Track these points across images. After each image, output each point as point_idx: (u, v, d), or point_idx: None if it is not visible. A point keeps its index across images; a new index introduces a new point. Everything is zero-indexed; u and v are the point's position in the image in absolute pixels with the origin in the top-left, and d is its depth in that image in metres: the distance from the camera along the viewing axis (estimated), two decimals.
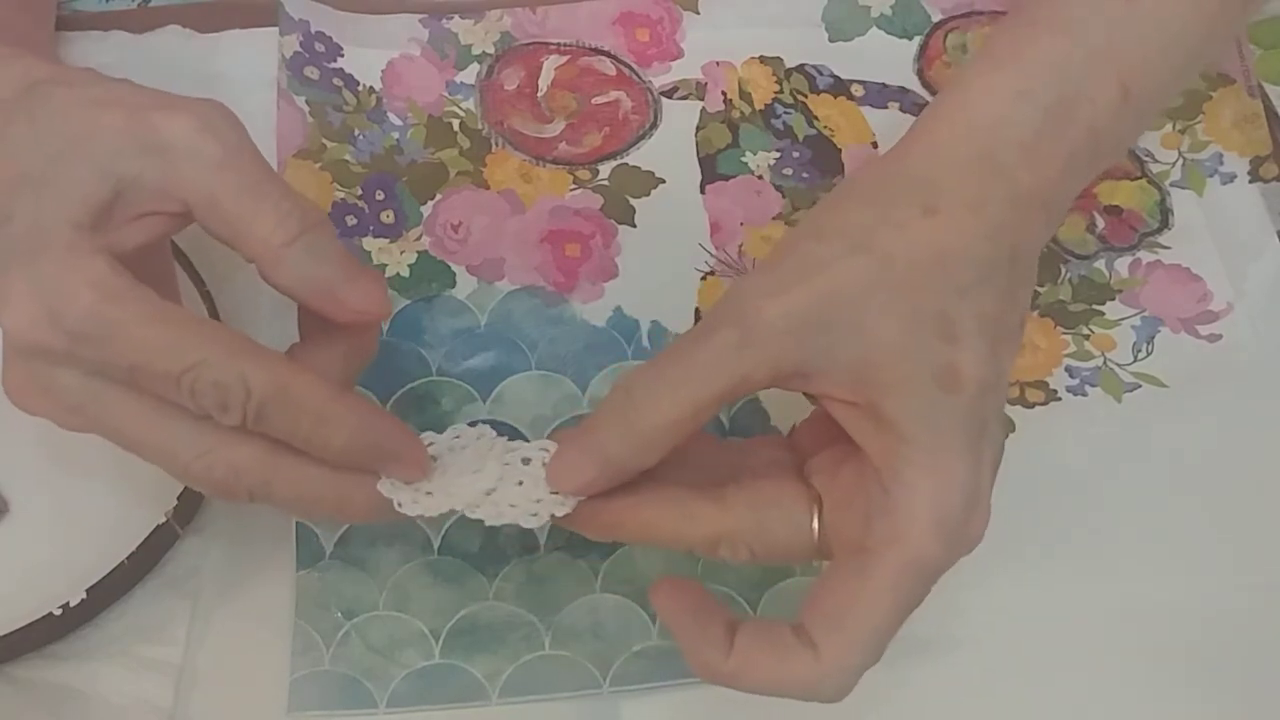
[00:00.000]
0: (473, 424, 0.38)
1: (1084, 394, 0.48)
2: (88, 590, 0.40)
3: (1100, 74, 0.37)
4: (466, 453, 0.37)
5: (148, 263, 0.35)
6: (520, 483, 0.36)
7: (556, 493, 0.36)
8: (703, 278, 0.49)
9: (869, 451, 0.34)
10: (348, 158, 0.50)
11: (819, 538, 0.35)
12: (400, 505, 0.36)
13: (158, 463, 0.36)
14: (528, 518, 0.36)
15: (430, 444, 0.37)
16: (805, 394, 0.36)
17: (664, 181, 0.51)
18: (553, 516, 0.36)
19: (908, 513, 0.33)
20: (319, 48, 0.52)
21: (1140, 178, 0.53)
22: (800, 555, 0.36)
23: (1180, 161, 0.53)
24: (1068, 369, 0.49)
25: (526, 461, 0.37)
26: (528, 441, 0.37)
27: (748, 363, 0.34)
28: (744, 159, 0.52)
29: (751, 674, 0.34)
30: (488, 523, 0.36)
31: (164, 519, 0.41)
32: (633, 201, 0.51)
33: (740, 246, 0.50)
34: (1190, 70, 0.41)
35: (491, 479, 0.36)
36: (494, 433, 0.38)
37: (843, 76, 0.54)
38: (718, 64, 0.54)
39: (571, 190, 0.51)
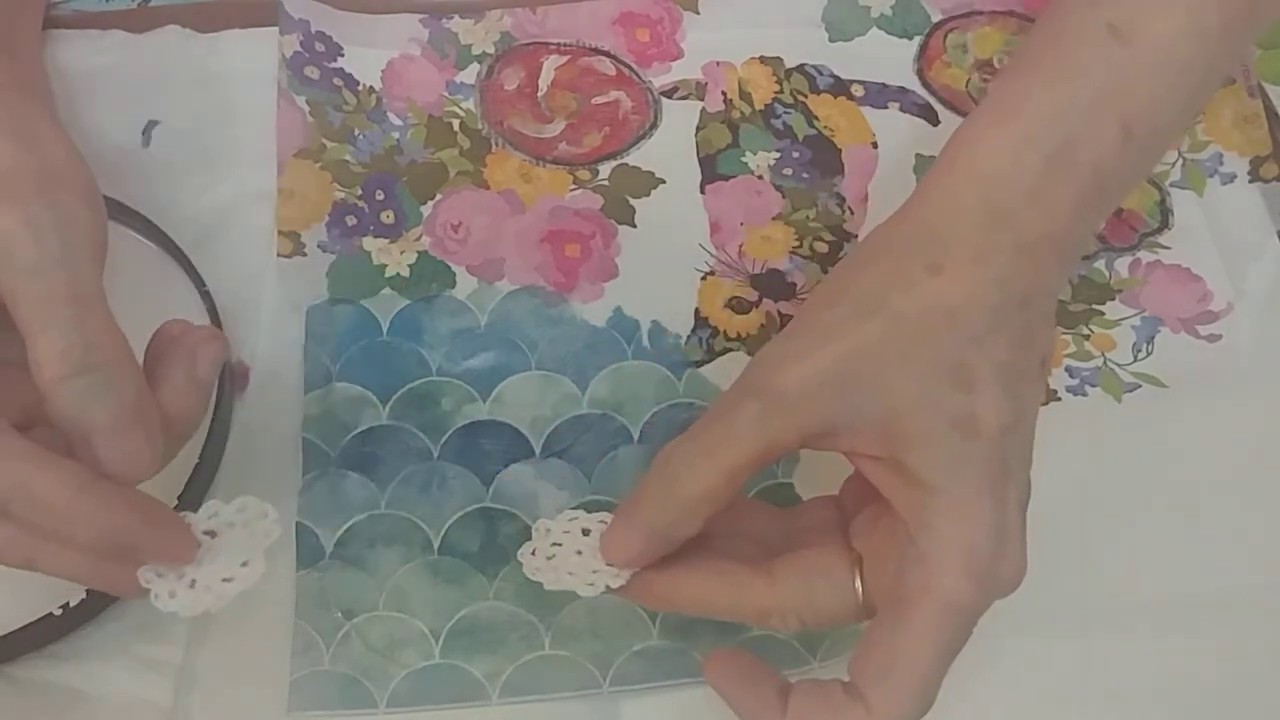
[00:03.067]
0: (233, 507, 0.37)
1: (1084, 394, 0.48)
2: (88, 590, 0.40)
3: (1102, 118, 0.38)
4: (237, 534, 0.36)
5: None
6: (579, 552, 0.38)
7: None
8: (703, 278, 0.49)
9: (896, 504, 0.35)
10: (348, 157, 0.50)
11: (863, 599, 0.36)
12: (155, 599, 0.35)
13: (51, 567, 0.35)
14: (585, 587, 0.38)
15: (212, 516, 0.37)
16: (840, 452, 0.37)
17: (664, 181, 0.51)
18: (608, 588, 0.37)
19: (937, 560, 0.34)
20: (319, 47, 0.52)
21: None
22: (847, 618, 0.37)
23: (1180, 161, 0.53)
24: (1068, 369, 0.49)
25: (586, 533, 0.38)
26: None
27: (773, 430, 0.35)
28: (744, 159, 0.52)
29: None
30: (547, 586, 0.38)
31: None
32: (633, 201, 0.51)
33: (740, 246, 0.50)
34: (1195, 106, 0.42)
35: (256, 575, 0.36)
36: (274, 511, 0.37)
37: (843, 76, 0.54)
38: (718, 64, 0.54)
39: (571, 190, 0.51)
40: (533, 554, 0.39)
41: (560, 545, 0.38)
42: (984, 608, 0.35)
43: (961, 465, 0.34)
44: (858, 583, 0.36)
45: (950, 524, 0.34)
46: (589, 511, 0.39)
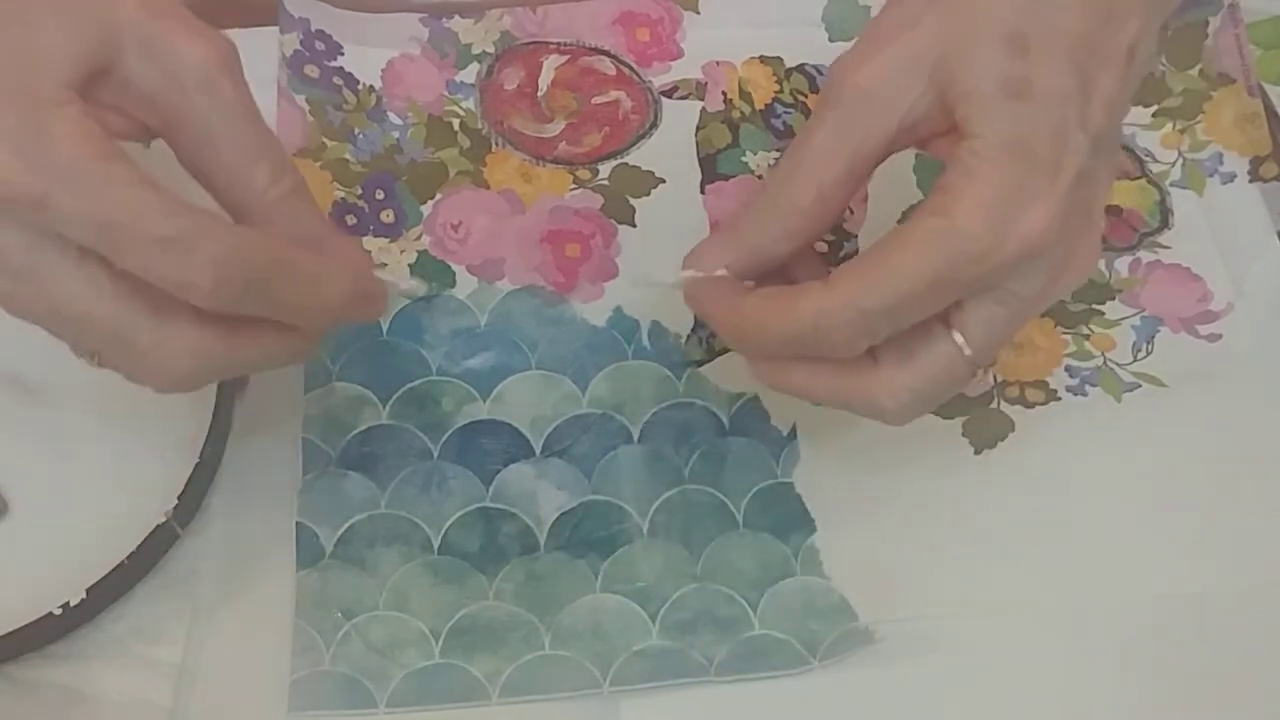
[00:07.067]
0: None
1: (1084, 394, 0.48)
2: (88, 590, 0.40)
3: None
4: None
5: None
6: None
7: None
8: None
9: (948, 162, 0.35)
10: (348, 157, 0.50)
11: (969, 352, 0.36)
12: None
13: (105, 346, 0.34)
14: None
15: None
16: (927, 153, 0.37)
17: (664, 181, 0.51)
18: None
19: (957, 191, 0.34)
20: (319, 46, 0.52)
21: (1140, 177, 0.53)
22: (956, 375, 0.36)
23: (1180, 161, 0.53)
24: (1068, 369, 0.49)
25: None
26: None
27: (855, 134, 0.35)
28: (744, 159, 0.52)
29: (768, 309, 0.36)
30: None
31: (164, 519, 0.41)
32: (633, 201, 0.51)
33: None
34: None
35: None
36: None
37: None
38: (718, 64, 0.54)
39: (571, 190, 0.51)
40: None
41: None
42: (988, 254, 0.33)
43: (1006, 121, 0.34)
44: (957, 335, 0.35)
45: (982, 166, 0.34)
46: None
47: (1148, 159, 0.53)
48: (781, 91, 0.54)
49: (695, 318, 0.48)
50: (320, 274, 0.36)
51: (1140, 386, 0.48)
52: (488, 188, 0.51)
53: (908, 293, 0.34)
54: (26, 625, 0.40)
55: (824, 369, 0.37)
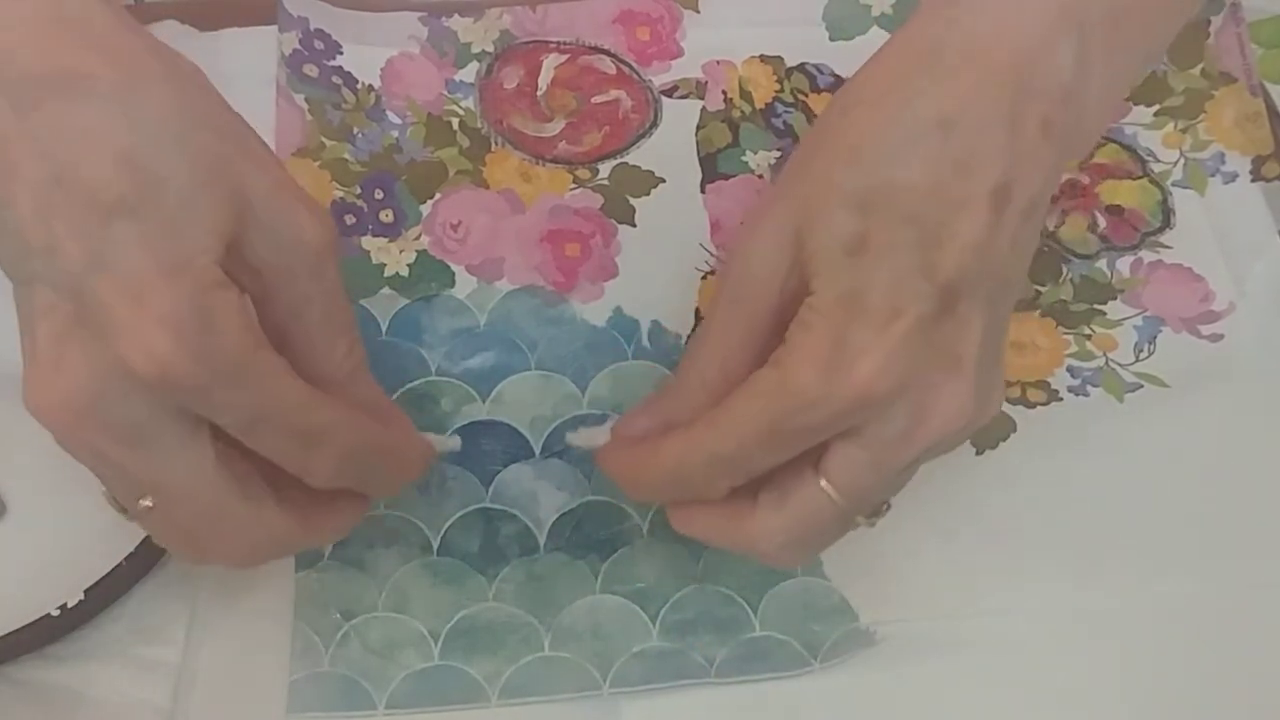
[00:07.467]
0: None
1: (1085, 394, 0.48)
2: (86, 591, 0.40)
3: None
4: None
5: None
6: None
7: None
8: (703, 277, 0.49)
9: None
10: (347, 156, 0.50)
11: (838, 497, 0.36)
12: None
13: (192, 522, 0.35)
14: None
15: None
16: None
17: (664, 181, 0.51)
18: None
19: (792, 344, 0.34)
20: (318, 45, 0.52)
21: (1142, 177, 0.53)
22: (828, 523, 0.37)
23: (1182, 161, 0.53)
24: (1069, 369, 0.49)
25: None
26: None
27: (746, 310, 0.37)
28: (744, 158, 0.52)
29: (640, 457, 0.38)
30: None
31: None
32: (633, 201, 0.51)
33: None
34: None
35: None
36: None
37: (843, 75, 0.54)
38: (718, 63, 0.54)
39: (571, 189, 0.51)
40: None
41: None
42: (817, 401, 0.34)
43: (841, 276, 0.34)
44: (823, 479, 0.36)
45: (814, 317, 0.34)
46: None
47: (1149, 158, 0.53)
48: (782, 91, 0.54)
49: (695, 317, 0.48)
50: (410, 453, 0.40)
51: (1142, 387, 0.48)
52: (487, 187, 0.51)
53: (749, 441, 0.35)
54: (25, 626, 0.40)
55: (713, 512, 0.38)
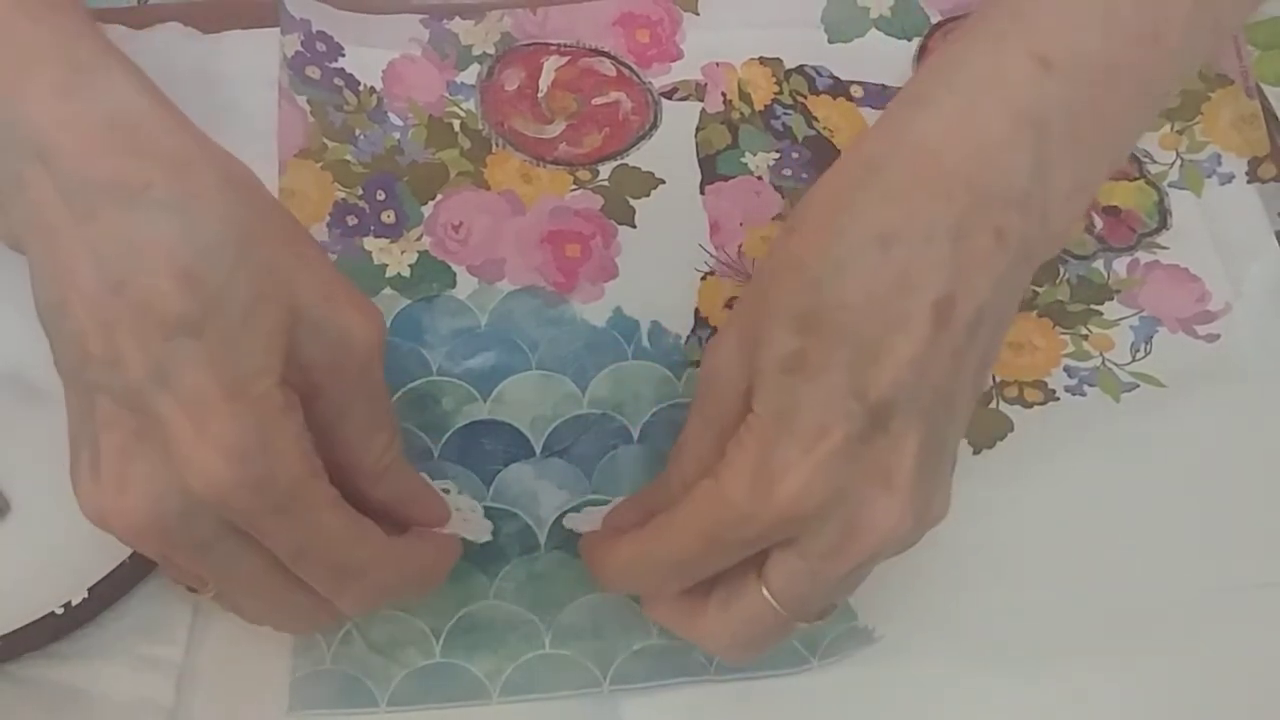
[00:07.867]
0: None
1: (1082, 394, 0.48)
2: (89, 589, 0.41)
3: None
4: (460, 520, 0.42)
5: None
6: None
7: None
8: (703, 278, 0.50)
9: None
10: (349, 157, 0.50)
11: (778, 606, 0.36)
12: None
13: (266, 612, 0.37)
14: None
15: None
16: None
17: (664, 182, 0.52)
18: None
19: (729, 458, 0.35)
20: (320, 47, 0.52)
21: (1138, 178, 0.53)
22: (768, 627, 0.37)
23: (1178, 162, 0.53)
24: (1066, 369, 0.49)
25: None
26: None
27: (715, 416, 0.37)
28: (744, 160, 0.52)
29: (600, 553, 0.39)
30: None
31: None
32: (633, 202, 0.51)
33: (740, 247, 0.50)
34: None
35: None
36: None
37: (842, 78, 0.54)
38: (717, 65, 0.54)
39: (572, 191, 0.51)
40: None
41: None
42: (748, 517, 0.34)
43: (777, 394, 0.34)
44: (763, 586, 0.36)
45: (749, 433, 0.35)
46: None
47: (1146, 160, 0.53)
48: (781, 93, 0.54)
49: (695, 318, 0.49)
50: (440, 567, 0.40)
51: (1139, 386, 0.48)
52: (488, 188, 0.51)
53: (690, 547, 0.36)
54: (28, 624, 0.40)
55: (671, 606, 0.39)
